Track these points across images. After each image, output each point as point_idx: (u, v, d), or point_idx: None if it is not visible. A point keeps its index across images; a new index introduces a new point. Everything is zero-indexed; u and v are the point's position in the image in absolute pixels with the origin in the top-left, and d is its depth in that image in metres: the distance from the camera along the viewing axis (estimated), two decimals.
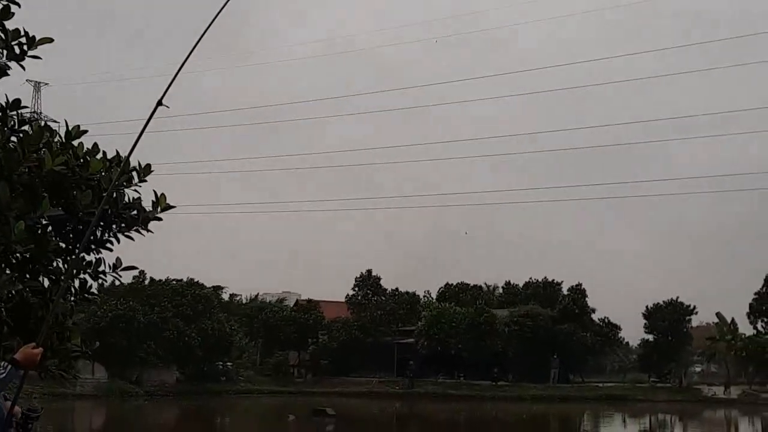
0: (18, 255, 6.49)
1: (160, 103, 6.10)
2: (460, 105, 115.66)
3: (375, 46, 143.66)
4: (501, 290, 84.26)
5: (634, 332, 79.02)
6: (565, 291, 74.94)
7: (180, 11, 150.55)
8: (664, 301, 71.17)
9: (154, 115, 6.13)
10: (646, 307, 71.69)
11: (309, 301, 79.83)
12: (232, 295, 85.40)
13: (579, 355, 70.97)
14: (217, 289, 75.87)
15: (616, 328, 74.04)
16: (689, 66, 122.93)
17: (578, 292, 72.68)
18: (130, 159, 6.50)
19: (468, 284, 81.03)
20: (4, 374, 5.67)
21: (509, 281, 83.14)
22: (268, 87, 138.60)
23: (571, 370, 72.19)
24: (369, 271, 76.62)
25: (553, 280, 78.09)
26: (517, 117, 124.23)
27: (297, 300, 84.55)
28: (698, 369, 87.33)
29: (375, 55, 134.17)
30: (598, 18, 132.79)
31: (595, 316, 73.28)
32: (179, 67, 6.23)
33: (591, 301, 72.98)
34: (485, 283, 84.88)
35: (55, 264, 6.87)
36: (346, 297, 77.03)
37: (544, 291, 77.14)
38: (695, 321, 72.19)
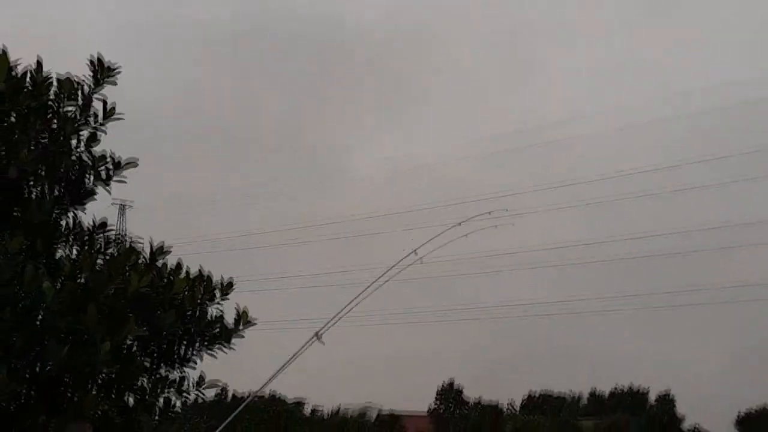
0: (103, 374, 6.55)
1: (317, 337, 6.15)
2: (533, 214, 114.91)
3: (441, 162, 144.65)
4: (586, 400, 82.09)
5: None
6: (652, 399, 72.83)
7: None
8: (756, 410, 68.61)
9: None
10: (738, 413, 69.27)
11: (391, 415, 78.57)
12: (313, 410, 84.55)
13: None
14: (299, 404, 75.19)
15: None
16: None
17: (667, 401, 70.61)
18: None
19: (551, 394, 79.25)
20: None
21: (594, 390, 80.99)
22: (346, 203, 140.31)
23: None
24: (451, 383, 75.38)
25: (639, 388, 75.93)
26: (591, 222, 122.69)
27: (378, 412, 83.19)
28: None
29: (442, 170, 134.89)
30: (666, 124, 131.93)
31: (685, 425, 70.92)
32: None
33: (680, 408, 70.81)
34: (570, 392, 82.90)
35: (139, 382, 6.91)
36: (428, 409, 75.76)
37: (631, 399, 75.00)
38: None
